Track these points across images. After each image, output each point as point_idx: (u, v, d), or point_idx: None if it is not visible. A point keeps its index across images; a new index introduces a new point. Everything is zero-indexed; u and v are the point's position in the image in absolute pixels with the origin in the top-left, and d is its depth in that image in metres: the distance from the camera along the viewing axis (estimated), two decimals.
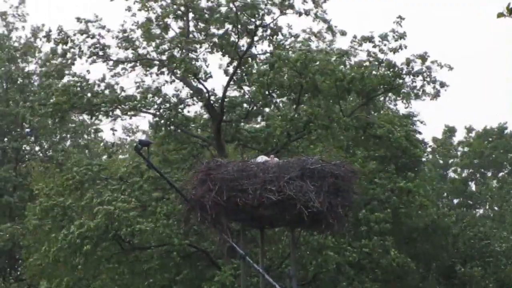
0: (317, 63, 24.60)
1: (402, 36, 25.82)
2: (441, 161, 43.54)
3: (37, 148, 41.70)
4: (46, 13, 60.88)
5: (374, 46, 26.14)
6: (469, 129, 45.42)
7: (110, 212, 23.01)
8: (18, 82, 39.48)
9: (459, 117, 72.73)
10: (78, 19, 25.27)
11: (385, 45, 26.00)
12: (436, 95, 26.87)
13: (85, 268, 24.07)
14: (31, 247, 28.26)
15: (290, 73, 24.88)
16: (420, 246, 31.84)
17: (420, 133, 33.79)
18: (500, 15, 7.61)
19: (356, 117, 27.07)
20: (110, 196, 24.27)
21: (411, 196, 28.97)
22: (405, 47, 25.94)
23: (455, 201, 42.73)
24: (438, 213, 31.79)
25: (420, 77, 26.45)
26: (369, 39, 26.04)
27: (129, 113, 25.45)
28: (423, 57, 26.05)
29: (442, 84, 26.69)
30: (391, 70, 26.07)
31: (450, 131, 44.94)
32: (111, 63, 25.62)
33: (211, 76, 25.41)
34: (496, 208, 42.60)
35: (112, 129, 27.39)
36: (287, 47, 25.81)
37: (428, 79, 26.48)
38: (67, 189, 25.59)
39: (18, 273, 37.26)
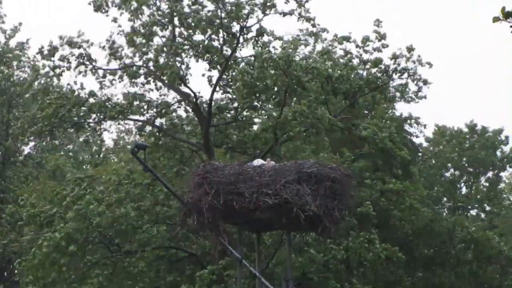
0: (301, 60, 24.40)
1: (383, 37, 25.90)
2: (433, 161, 43.36)
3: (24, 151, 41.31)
4: (45, 13, 60.99)
5: (357, 46, 26.24)
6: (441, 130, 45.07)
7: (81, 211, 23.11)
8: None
9: (459, 118, 72.77)
10: (61, 38, 24.86)
11: (367, 45, 26.07)
12: (418, 91, 26.94)
13: (69, 268, 24.05)
14: (24, 251, 28.16)
15: (274, 73, 24.70)
16: (417, 249, 31.75)
17: (415, 136, 33.79)
18: (495, 19, 7.50)
19: (342, 119, 27.02)
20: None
21: (401, 198, 28.85)
22: (387, 46, 26.01)
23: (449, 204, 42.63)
24: (431, 217, 31.65)
25: (406, 75, 26.46)
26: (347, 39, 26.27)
27: (116, 119, 25.14)
28: (409, 49, 26.03)
29: (425, 82, 26.65)
30: (378, 66, 26.08)
31: (441, 131, 44.73)
32: (99, 73, 25.39)
33: (188, 82, 25.22)
34: (488, 208, 42.52)
35: (93, 136, 26.99)
36: (272, 48, 25.50)
37: (413, 76, 26.48)
38: (55, 200, 25.47)
39: (8, 272, 37.20)
